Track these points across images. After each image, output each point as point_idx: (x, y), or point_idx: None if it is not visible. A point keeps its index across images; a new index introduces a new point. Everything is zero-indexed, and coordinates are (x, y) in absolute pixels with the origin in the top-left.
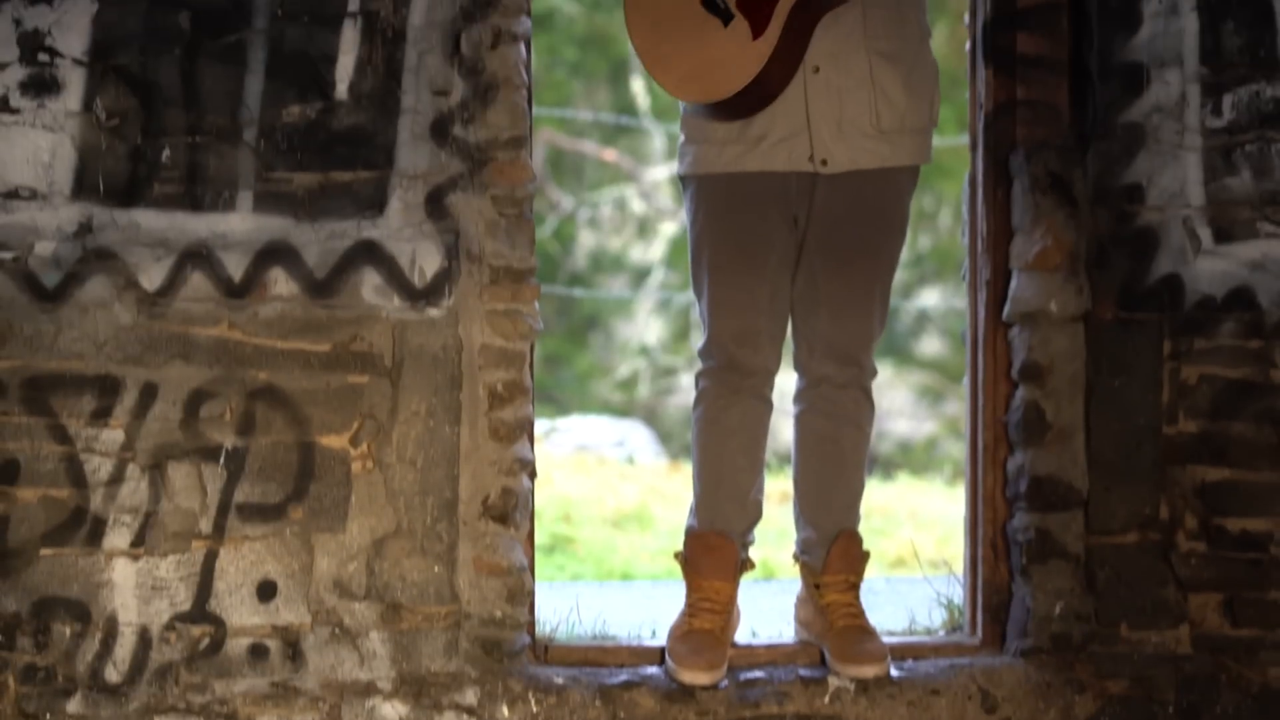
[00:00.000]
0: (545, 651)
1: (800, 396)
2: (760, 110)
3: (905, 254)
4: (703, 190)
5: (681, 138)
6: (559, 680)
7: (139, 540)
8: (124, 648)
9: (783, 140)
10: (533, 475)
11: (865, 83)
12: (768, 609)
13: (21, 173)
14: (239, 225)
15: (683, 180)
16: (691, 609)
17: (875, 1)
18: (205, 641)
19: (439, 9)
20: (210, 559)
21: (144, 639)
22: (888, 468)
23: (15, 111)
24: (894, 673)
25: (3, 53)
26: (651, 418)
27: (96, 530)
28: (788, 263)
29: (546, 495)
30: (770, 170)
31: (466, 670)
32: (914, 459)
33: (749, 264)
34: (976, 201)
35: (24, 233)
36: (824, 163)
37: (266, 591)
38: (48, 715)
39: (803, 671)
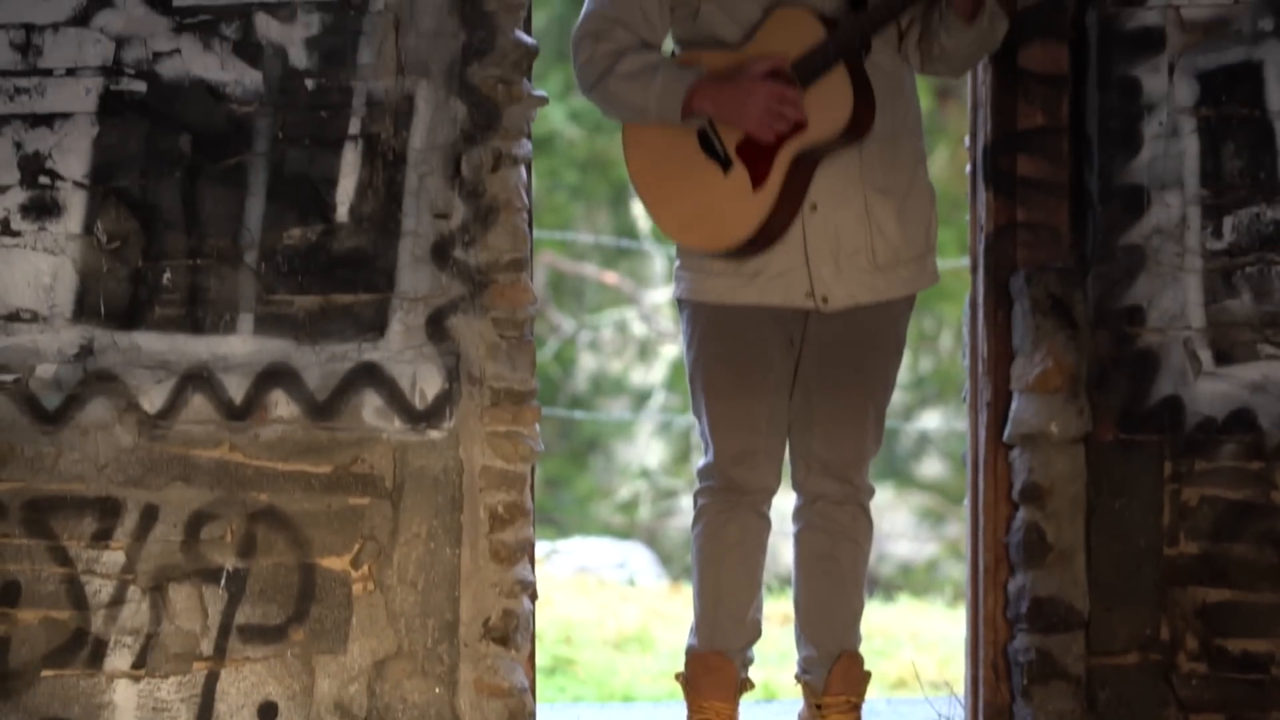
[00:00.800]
0: None
1: (798, 515)
2: (761, 253)
3: (907, 376)
4: (699, 315)
5: (677, 262)
6: None
7: (140, 662)
8: None
9: (780, 275)
10: (534, 597)
11: (862, 218)
12: None
13: (22, 295)
14: (240, 347)
15: (679, 302)
16: None
17: (873, 137)
18: None
19: (440, 132)
20: (211, 680)
21: None
22: (889, 589)
23: (16, 234)
24: None
25: (3, 175)
26: (652, 540)
27: (98, 652)
28: (785, 383)
29: (547, 617)
30: (768, 304)
31: None
32: (915, 580)
33: (746, 385)
34: (977, 323)
35: (25, 355)
36: (824, 300)
37: (268, 713)
38: None
39: None
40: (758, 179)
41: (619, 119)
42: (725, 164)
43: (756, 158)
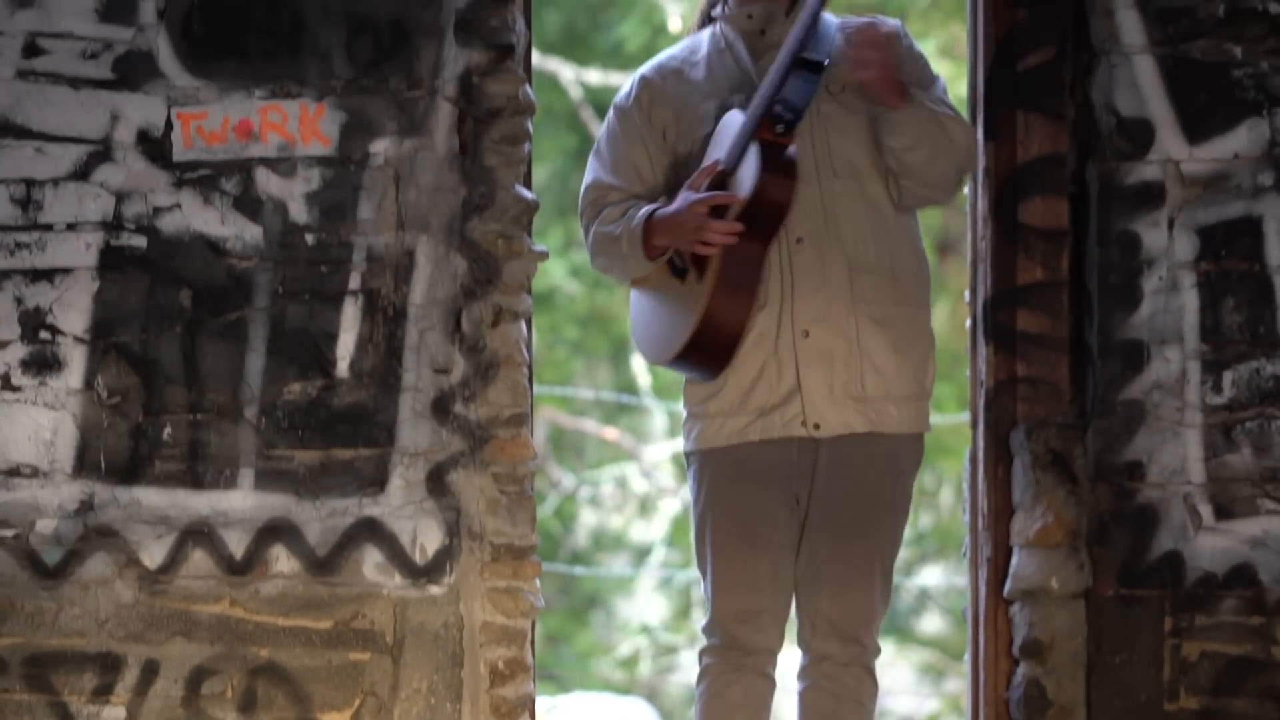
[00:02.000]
0: None
1: (803, 674)
2: (732, 353)
3: (907, 532)
4: (706, 466)
5: (684, 414)
6: None
7: None
8: None
9: (778, 407)
10: None
11: (853, 346)
12: None
13: (23, 450)
14: (240, 503)
15: (686, 456)
16: None
17: (865, 266)
18: None
19: (440, 287)
20: None
21: None
22: None
23: (17, 389)
24: None
25: (4, 330)
26: (653, 696)
27: None
28: (790, 541)
29: None
30: (770, 438)
31: None
32: None
33: (751, 543)
34: (977, 479)
35: (25, 510)
36: (816, 426)
37: None
38: None
39: None
40: (701, 271)
41: (615, 276)
42: (683, 274)
43: (701, 256)
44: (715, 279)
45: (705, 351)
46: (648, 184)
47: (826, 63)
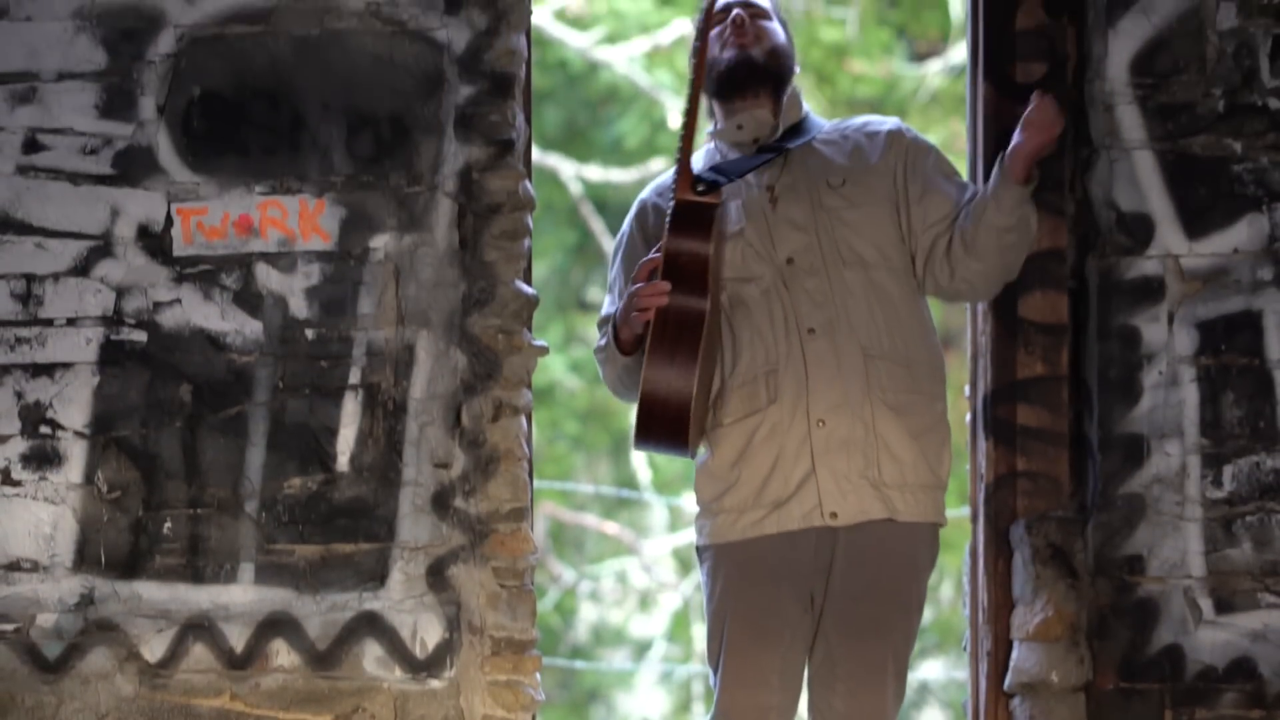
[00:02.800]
0: None
1: None
2: (686, 420)
3: None
4: (720, 561)
5: (698, 509)
6: None
7: None
8: None
9: (793, 497)
10: None
11: (870, 433)
12: None
13: (23, 545)
14: (240, 597)
15: (699, 551)
16: None
17: (880, 354)
18: None
19: (440, 381)
20: None
21: None
22: None
23: (17, 484)
24: None
25: (4, 425)
26: None
27: None
28: (802, 639)
29: None
30: (787, 530)
31: None
32: None
33: (763, 640)
34: (977, 572)
35: (25, 604)
36: (834, 515)
37: None
38: None
39: None
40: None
41: (625, 395)
42: None
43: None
44: (650, 343)
45: (658, 422)
46: None
47: (791, 148)
